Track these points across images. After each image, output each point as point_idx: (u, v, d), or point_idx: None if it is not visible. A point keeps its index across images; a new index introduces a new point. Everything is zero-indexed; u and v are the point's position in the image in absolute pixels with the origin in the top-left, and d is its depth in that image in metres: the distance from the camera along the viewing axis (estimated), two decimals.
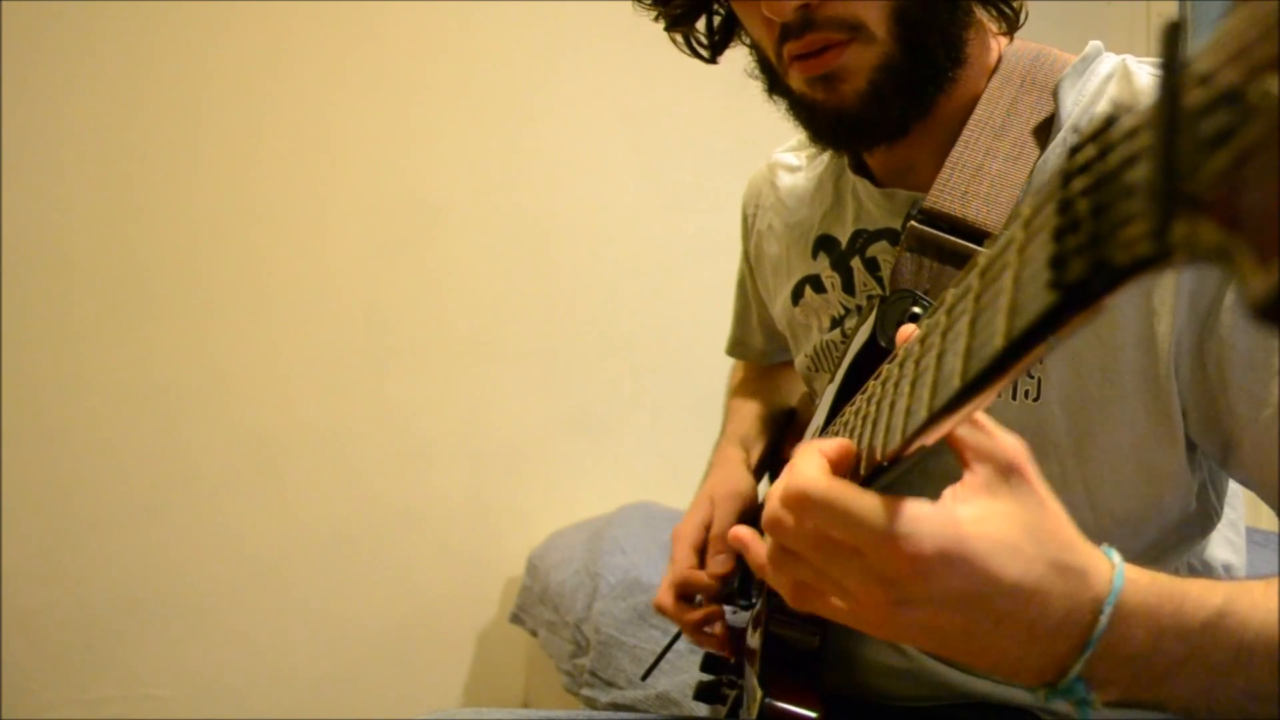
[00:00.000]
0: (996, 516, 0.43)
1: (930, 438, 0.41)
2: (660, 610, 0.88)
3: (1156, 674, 0.47)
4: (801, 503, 0.43)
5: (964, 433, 0.46)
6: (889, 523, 0.41)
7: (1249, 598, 0.49)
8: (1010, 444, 0.45)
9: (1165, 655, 0.46)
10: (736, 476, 0.93)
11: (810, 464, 0.45)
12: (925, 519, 0.42)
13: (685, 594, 0.87)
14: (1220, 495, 0.72)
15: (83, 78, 1.82)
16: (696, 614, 0.86)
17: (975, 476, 0.45)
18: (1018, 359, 0.31)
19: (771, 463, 0.98)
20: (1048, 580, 0.44)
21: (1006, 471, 0.45)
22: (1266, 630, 0.48)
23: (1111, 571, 0.46)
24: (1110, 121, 0.26)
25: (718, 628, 0.86)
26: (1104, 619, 0.45)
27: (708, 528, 0.88)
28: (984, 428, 0.45)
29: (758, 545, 0.50)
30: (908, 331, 0.46)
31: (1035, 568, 0.43)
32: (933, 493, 0.45)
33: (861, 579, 0.44)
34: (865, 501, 0.42)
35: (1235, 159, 0.20)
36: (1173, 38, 0.22)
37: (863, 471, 0.48)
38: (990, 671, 0.48)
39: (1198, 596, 0.48)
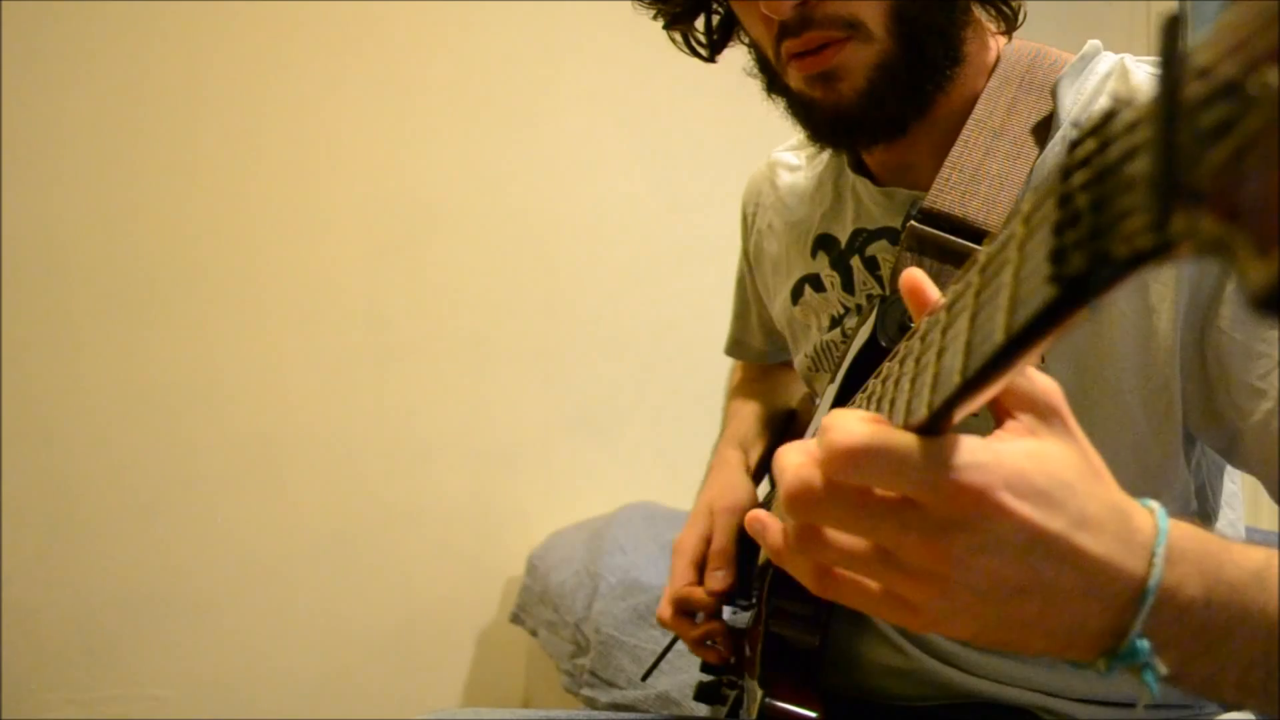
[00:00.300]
0: (1048, 454, 0.41)
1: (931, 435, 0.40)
2: (661, 623, 0.89)
3: (1213, 633, 0.44)
4: (854, 458, 0.38)
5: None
6: (950, 460, 0.38)
7: None
8: (1048, 386, 0.43)
9: (1220, 609, 0.43)
10: (735, 483, 0.93)
11: (850, 419, 0.40)
12: (984, 450, 0.39)
13: (684, 610, 0.87)
14: (1218, 496, 0.73)
15: (83, 78, 1.82)
16: (697, 631, 0.87)
17: (1018, 422, 0.42)
18: (1019, 354, 0.31)
19: (771, 466, 0.98)
20: (1101, 518, 0.41)
21: (1047, 415, 0.42)
22: None
23: (1154, 515, 0.44)
24: (1110, 115, 0.26)
25: (718, 640, 0.87)
26: (1159, 560, 0.42)
27: (707, 541, 0.89)
28: (1020, 370, 0.42)
29: (777, 529, 0.46)
30: (914, 279, 0.44)
31: (1089, 506, 0.41)
32: None
33: (923, 534, 0.39)
34: (919, 444, 0.38)
35: (1234, 151, 0.20)
36: (1172, 31, 0.22)
37: None
38: (1046, 647, 0.43)
39: (1240, 549, 0.46)
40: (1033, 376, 0.42)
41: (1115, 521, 0.41)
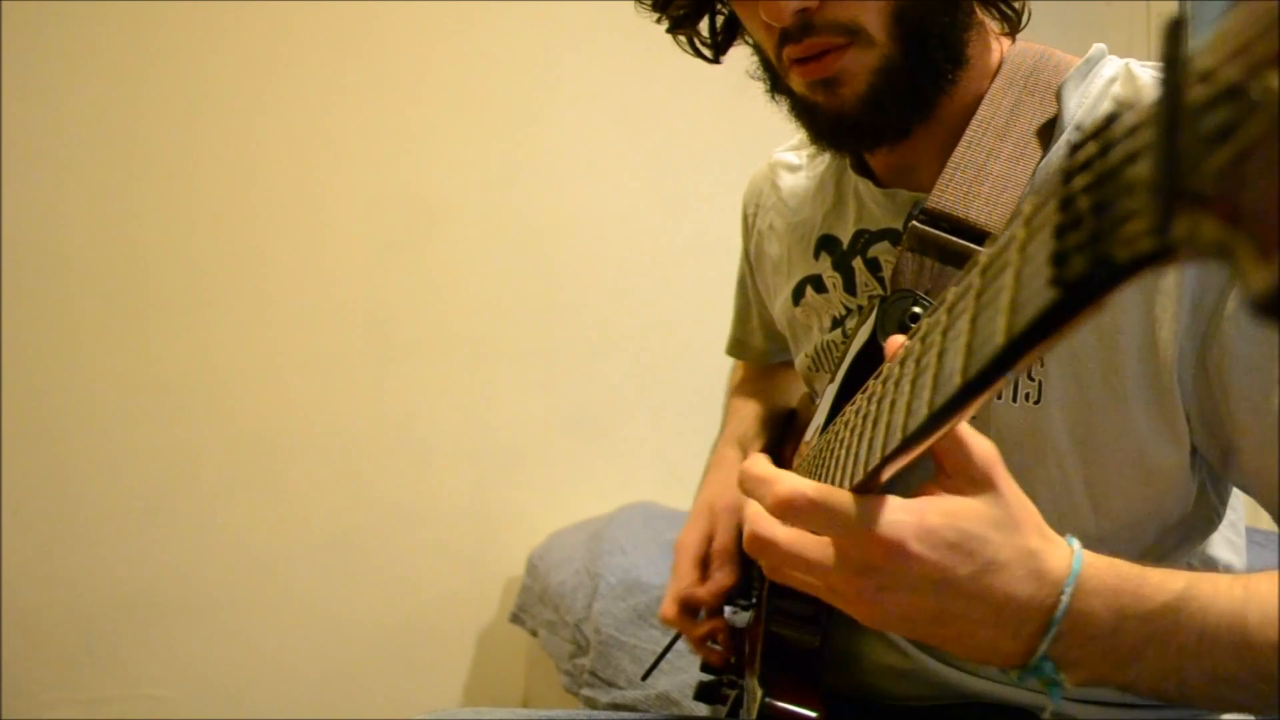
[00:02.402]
0: (963, 512, 0.48)
1: (932, 436, 0.41)
2: (665, 622, 0.89)
3: (1122, 654, 0.50)
4: (789, 506, 0.48)
5: (941, 443, 0.49)
6: (870, 515, 0.46)
7: (1211, 584, 0.52)
8: (981, 454, 0.49)
9: (1128, 635, 0.50)
10: (735, 481, 0.93)
11: (792, 478, 0.49)
12: (896, 510, 0.47)
13: (688, 609, 0.88)
14: (1221, 497, 0.72)
15: (83, 78, 1.82)
16: (701, 629, 0.87)
17: (949, 482, 0.49)
18: (1019, 356, 0.31)
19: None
20: (1012, 564, 0.48)
21: (977, 480, 0.49)
22: (1229, 616, 0.51)
23: (1071, 555, 0.50)
24: (1112, 118, 0.26)
25: (720, 639, 0.87)
26: (1065, 598, 0.48)
27: (709, 540, 0.89)
28: (957, 439, 0.49)
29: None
30: (896, 343, 0.48)
31: (1001, 553, 0.48)
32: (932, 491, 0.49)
33: (845, 573, 0.48)
34: (845, 499, 0.47)
35: (1237, 155, 0.20)
36: (1174, 34, 0.22)
37: (864, 472, 0.48)
38: (968, 656, 0.51)
39: (1158, 581, 0.51)
40: (971, 443, 0.49)
41: (1026, 564, 0.48)
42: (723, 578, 0.87)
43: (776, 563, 0.52)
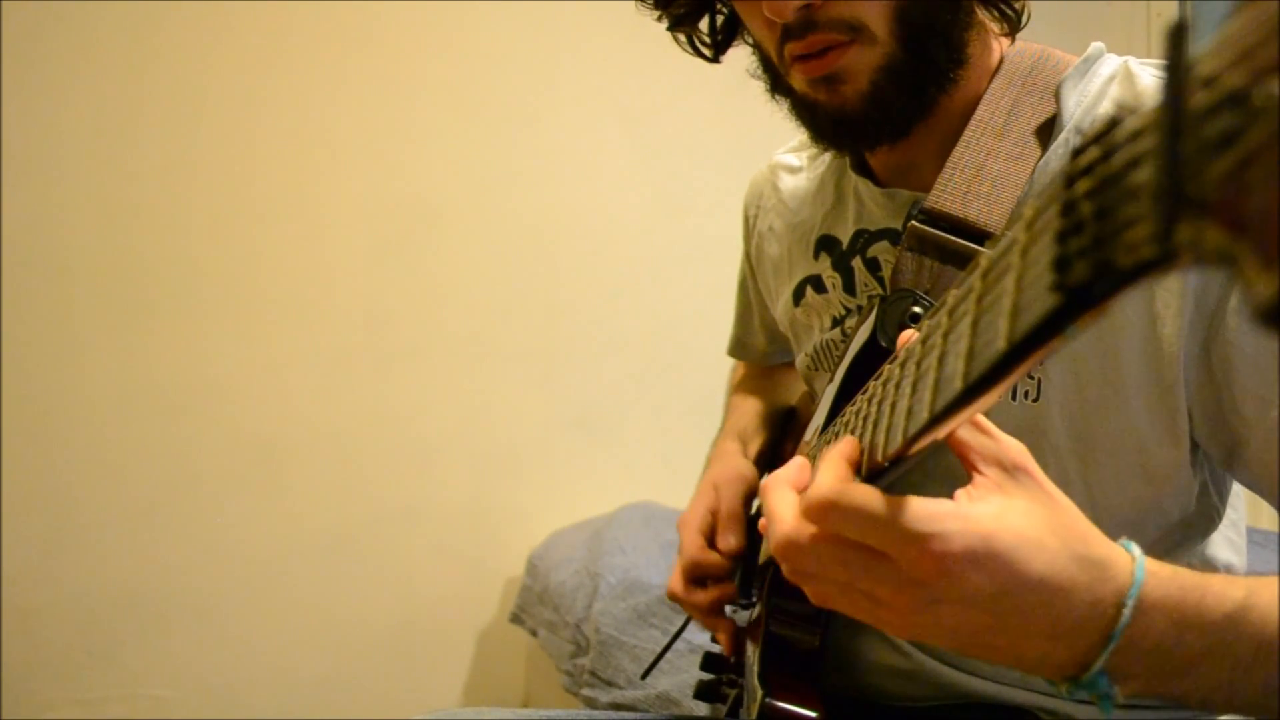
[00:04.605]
0: (1015, 513, 0.44)
1: (931, 439, 0.41)
2: (673, 597, 0.87)
3: (1178, 667, 0.47)
4: (827, 511, 0.43)
5: (967, 436, 0.46)
6: (915, 524, 0.41)
7: (1270, 591, 0.49)
8: (1013, 445, 0.46)
9: (1187, 648, 0.46)
10: (737, 464, 0.93)
11: (830, 473, 0.45)
12: (950, 518, 0.42)
13: (696, 577, 0.86)
14: (1222, 496, 0.72)
15: (83, 78, 1.82)
16: (709, 595, 0.85)
17: (985, 478, 0.45)
18: (1020, 361, 0.31)
19: (770, 461, 0.98)
20: (1071, 574, 0.44)
21: (1014, 471, 0.45)
22: None
23: (1132, 564, 0.46)
24: (1114, 123, 0.26)
25: (727, 610, 0.86)
26: (1127, 612, 0.45)
27: (713, 514, 0.88)
28: (987, 430, 0.46)
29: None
30: (908, 335, 0.47)
31: (1059, 562, 0.44)
32: (934, 492, 0.46)
33: (894, 585, 0.44)
34: (890, 505, 0.42)
35: (1240, 162, 0.20)
36: (1178, 39, 0.21)
37: (863, 473, 0.48)
38: (1014, 667, 0.48)
39: (1219, 590, 0.48)
40: (997, 435, 0.46)
41: (1085, 574, 0.44)
42: (730, 542, 0.85)
43: (810, 568, 0.47)
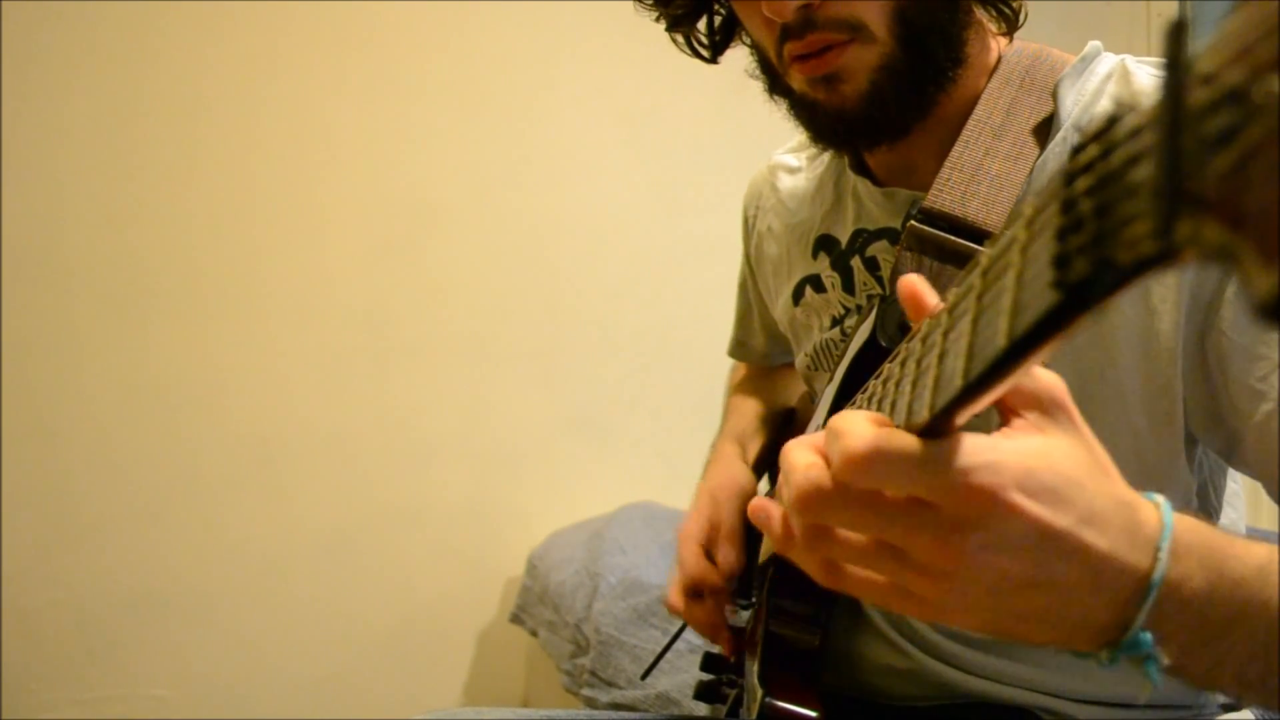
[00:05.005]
0: (1056, 451, 0.41)
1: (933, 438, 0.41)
2: (672, 611, 0.87)
3: (1215, 626, 0.44)
4: (868, 463, 0.39)
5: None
6: (961, 462, 0.38)
7: None
8: (1052, 382, 0.43)
9: (1222, 603, 0.44)
10: (735, 472, 0.93)
11: (860, 423, 0.41)
12: (993, 450, 0.39)
13: (695, 593, 0.86)
14: (1220, 495, 0.73)
15: (83, 78, 1.82)
16: (707, 610, 0.86)
17: (1024, 420, 0.43)
18: (1021, 359, 0.31)
19: (770, 461, 0.98)
20: (1109, 514, 0.42)
21: (1053, 411, 0.43)
22: None
23: (1159, 510, 0.44)
24: (1113, 120, 0.26)
25: (727, 610, 0.86)
26: (1164, 555, 0.43)
27: (712, 525, 0.88)
28: (1026, 374, 0.43)
29: (780, 520, 0.46)
30: (921, 299, 0.44)
31: (1098, 501, 0.41)
32: None
33: (937, 533, 0.40)
34: (930, 447, 0.39)
35: (1239, 158, 0.20)
36: (1177, 37, 0.22)
37: None
38: (1052, 639, 0.44)
39: (1244, 544, 0.46)
40: (1036, 373, 0.42)
41: (1121, 516, 0.42)
42: (729, 559, 0.85)
43: (836, 518, 0.42)
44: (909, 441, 0.39)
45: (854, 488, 0.40)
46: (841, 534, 0.43)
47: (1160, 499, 0.45)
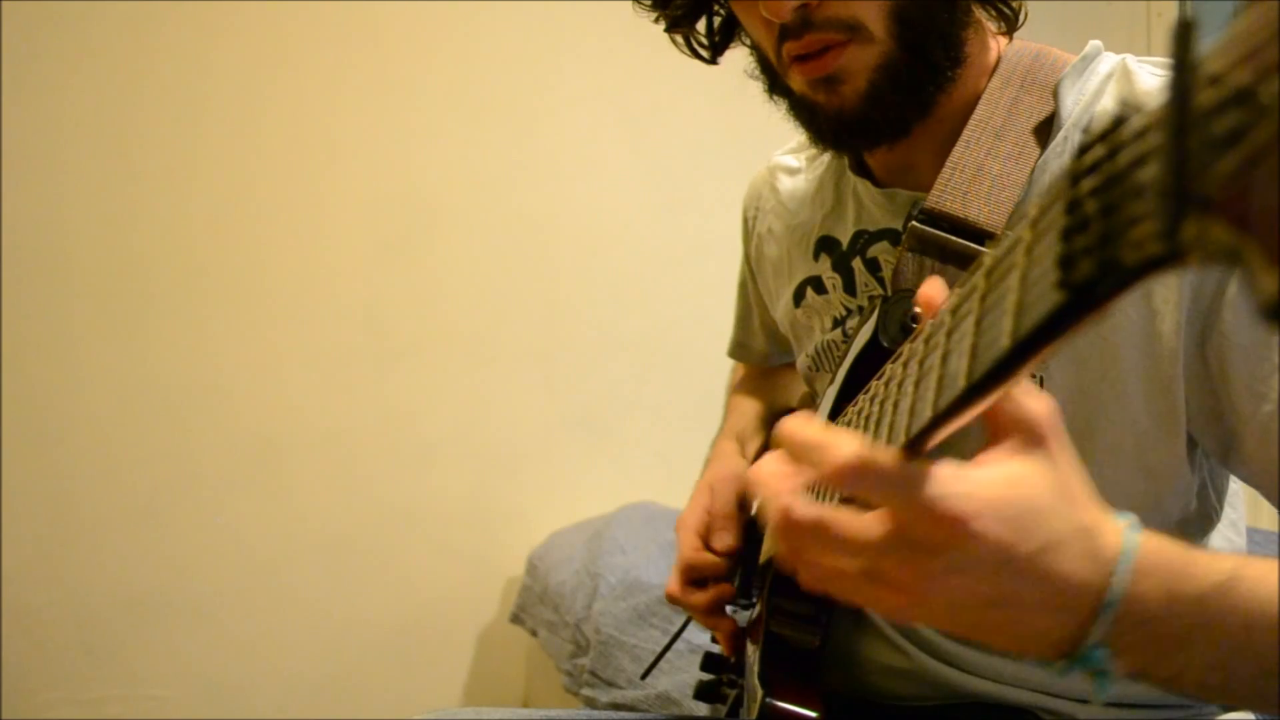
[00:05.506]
0: (1025, 481, 0.44)
1: (935, 437, 0.41)
2: (671, 599, 0.87)
3: (1172, 640, 0.47)
4: (846, 475, 0.42)
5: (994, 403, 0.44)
6: (931, 487, 0.41)
7: (1257, 567, 0.49)
8: (1038, 411, 0.45)
9: (1179, 619, 0.46)
10: (734, 465, 0.93)
11: (840, 437, 0.43)
12: (963, 480, 0.42)
13: (694, 578, 0.86)
14: (1220, 495, 0.73)
15: (83, 78, 1.82)
16: (707, 595, 0.85)
17: (1001, 446, 0.45)
18: (1024, 359, 0.31)
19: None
20: (1069, 541, 0.44)
21: (1034, 440, 0.45)
22: (1272, 604, 0.48)
23: (1122, 532, 0.47)
24: (1120, 121, 0.26)
25: (727, 610, 0.86)
26: (1119, 579, 0.45)
27: (709, 514, 0.88)
28: (1011, 395, 0.45)
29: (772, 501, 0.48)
30: (934, 297, 0.45)
31: (1060, 529, 0.44)
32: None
33: (901, 556, 0.43)
34: (908, 469, 0.42)
35: (1246, 160, 0.20)
36: (1184, 37, 0.22)
37: None
38: (1011, 649, 0.48)
39: (1206, 561, 0.48)
40: (1024, 400, 0.45)
41: (1082, 542, 0.45)
42: (724, 540, 0.85)
43: (809, 543, 0.46)
44: (885, 458, 0.42)
45: (823, 521, 0.44)
46: (819, 558, 0.46)
47: (1126, 520, 0.47)
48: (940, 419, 0.38)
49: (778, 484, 0.46)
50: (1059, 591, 0.44)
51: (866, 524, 0.43)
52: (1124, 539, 0.46)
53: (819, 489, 0.51)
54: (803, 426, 0.46)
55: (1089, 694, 0.60)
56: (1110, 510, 0.47)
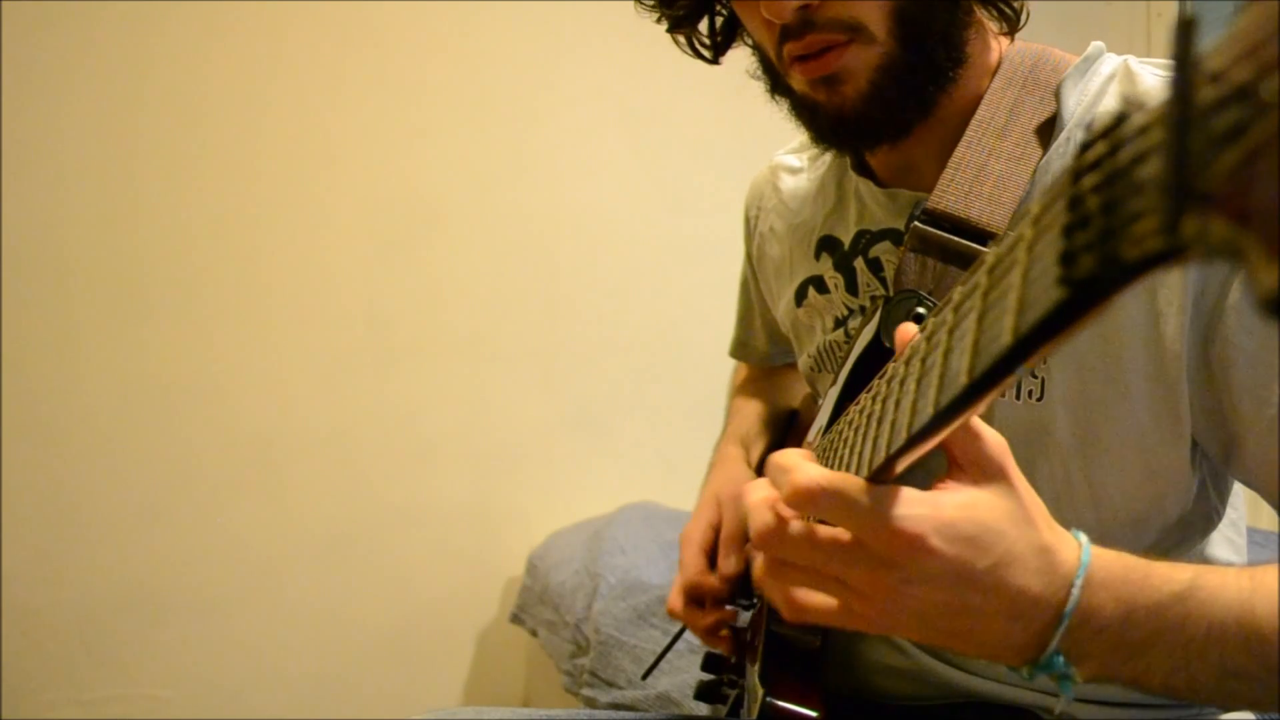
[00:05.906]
0: (982, 504, 0.48)
1: (937, 435, 0.41)
2: (672, 615, 0.88)
3: (1131, 647, 0.50)
4: (814, 494, 0.47)
5: (952, 436, 0.49)
6: (890, 508, 0.46)
7: (1218, 576, 0.52)
8: (993, 449, 0.49)
9: (1137, 628, 0.50)
10: (739, 476, 0.93)
11: (806, 464, 0.48)
12: (921, 503, 0.47)
13: (696, 598, 0.87)
14: (1222, 495, 0.73)
15: (83, 78, 1.82)
16: (709, 618, 0.86)
17: (964, 473, 0.49)
18: (1026, 356, 0.31)
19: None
20: (1026, 558, 0.48)
21: (991, 472, 0.49)
22: (1238, 606, 0.51)
23: (1079, 549, 0.51)
24: (1121, 118, 0.26)
25: (730, 621, 0.86)
26: (1075, 591, 0.49)
27: (715, 529, 0.88)
28: (970, 431, 0.49)
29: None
30: (907, 333, 0.48)
31: (1016, 547, 0.48)
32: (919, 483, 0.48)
33: (866, 568, 0.48)
34: (869, 491, 0.46)
35: (1246, 155, 0.20)
36: (1185, 34, 0.22)
37: (866, 472, 0.48)
38: (979, 654, 0.52)
39: (1164, 573, 0.52)
40: (980, 435, 0.49)
41: (1039, 559, 0.49)
42: (730, 565, 0.85)
43: (787, 555, 0.51)
44: (848, 482, 0.47)
45: (799, 529, 0.49)
46: (796, 564, 0.51)
47: (1083, 538, 0.52)
48: (942, 416, 0.38)
49: (761, 504, 0.51)
50: (1015, 602, 0.48)
51: (835, 531, 0.48)
52: (1082, 555, 0.50)
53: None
54: (781, 455, 0.51)
55: (1132, 695, 0.69)
56: (1067, 531, 0.52)
